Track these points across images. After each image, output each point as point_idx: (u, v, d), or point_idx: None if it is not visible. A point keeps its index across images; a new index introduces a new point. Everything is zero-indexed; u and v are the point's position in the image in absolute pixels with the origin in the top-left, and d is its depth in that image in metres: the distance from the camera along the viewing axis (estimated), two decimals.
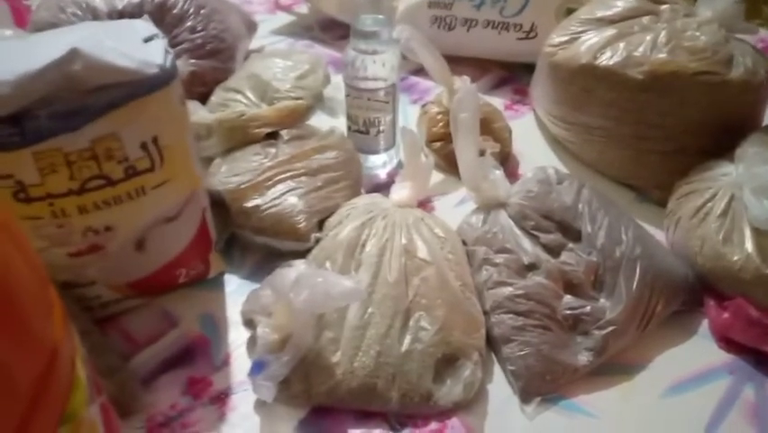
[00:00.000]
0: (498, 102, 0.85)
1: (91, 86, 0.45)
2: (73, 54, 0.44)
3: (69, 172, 0.46)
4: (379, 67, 0.65)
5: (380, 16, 0.64)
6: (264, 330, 0.49)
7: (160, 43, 0.50)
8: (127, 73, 0.46)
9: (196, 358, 0.54)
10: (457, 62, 0.89)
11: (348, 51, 0.66)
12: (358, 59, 0.65)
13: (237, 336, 0.55)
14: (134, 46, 0.49)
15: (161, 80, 0.48)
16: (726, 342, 0.54)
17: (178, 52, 0.74)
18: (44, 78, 0.44)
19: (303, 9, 1.08)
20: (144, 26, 0.52)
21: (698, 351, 0.54)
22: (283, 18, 1.07)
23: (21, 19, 0.79)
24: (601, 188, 0.69)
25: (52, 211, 0.48)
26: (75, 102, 0.45)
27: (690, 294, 0.57)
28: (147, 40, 0.50)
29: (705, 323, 0.56)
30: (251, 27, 0.91)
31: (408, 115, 0.83)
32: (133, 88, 0.47)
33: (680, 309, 0.57)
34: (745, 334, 0.53)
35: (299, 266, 0.50)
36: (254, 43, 0.93)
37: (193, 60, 0.74)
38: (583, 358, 0.52)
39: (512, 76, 0.90)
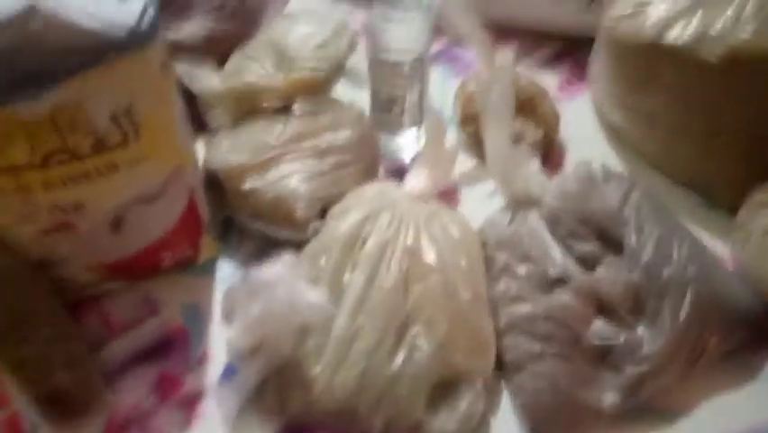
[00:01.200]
0: (551, 81, 0.74)
1: (52, 48, 0.40)
2: (30, 11, 0.39)
3: (29, 144, 0.42)
4: (405, 36, 0.57)
5: None
6: (237, 334, 0.43)
7: (140, 1, 0.44)
8: (92, 34, 0.41)
9: (172, 352, 0.49)
10: (509, 34, 0.79)
11: (371, 17, 0.58)
12: (382, 27, 0.58)
13: (220, 332, 0.50)
14: (107, 5, 0.43)
15: (134, 43, 0.42)
16: None
17: (195, 13, 0.68)
18: None
19: None
20: None
21: (758, 400, 0.45)
22: None
23: None
24: (661, 190, 0.59)
25: (16, 185, 0.43)
26: (33, 65, 0.40)
27: (755, 329, 0.47)
28: None
29: None
30: None
31: (448, 92, 0.74)
32: (99, 52, 0.41)
33: (741, 348, 0.47)
34: None
35: (279, 265, 0.43)
36: (292, 7, 0.86)
37: (210, 23, 0.68)
38: (610, 398, 0.43)
39: (571, 52, 0.79)
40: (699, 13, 0.55)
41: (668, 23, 0.56)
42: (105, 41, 0.41)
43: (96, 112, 0.43)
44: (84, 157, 0.44)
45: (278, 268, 0.42)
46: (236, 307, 0.42)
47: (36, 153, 0.42)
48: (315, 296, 0.40)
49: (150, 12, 0.43)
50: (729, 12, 0.54)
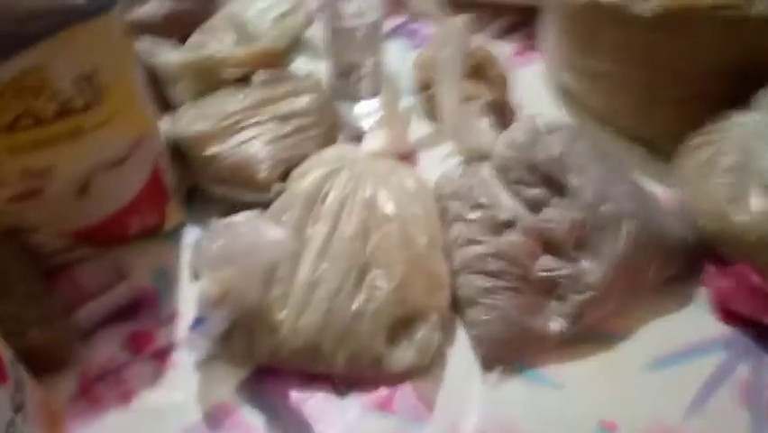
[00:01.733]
0: (505, 49, 0.78)
1: (15, 14, 0.42)
2: None
3: None
4: (358, 3, 0.60)
5: None
6: (205, 284, 0.45)
7: None
8: (54, 1, 0.42)
9: (143, 312, 0.51)
10: (468, 6, 0.82)
11: None
12: None
13: (188, 291, 0.52)
14: None
15: (95, 9, 0.44)
16: (726, 313, 0.48)
17: None
18: None
19: None
20: None
21: (691, 322, 0.48)
22: None
23: None
24: (608, 142, 0.63)
25: None
26: None
27: (688, 259, 0.50)
28: None
29: (703, 292, 0.50)
30: None
31: (407, 63, 0.76)
32: (61, 17, 0.43)
33: (675, 276, 0.50)
34: (745, 303, 0.47)
35: (242, 216, 0.45)
36: None
37: (170, 1, 0.70)
38: (556, 325, 0.46)
39: (525, 21, 0.82)
40: None
41: None
42: (67, 7, 0.43)
43: (60, 77, 0.44)
44: (49, 122, 0.45)
45: (239, 216, 0.44)
46: (203, 254, 0.44)
47: (2, 118, 0.44)
48: (276, 233, 0.42)
49: None
50: None
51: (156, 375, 0.47)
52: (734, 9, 0.54)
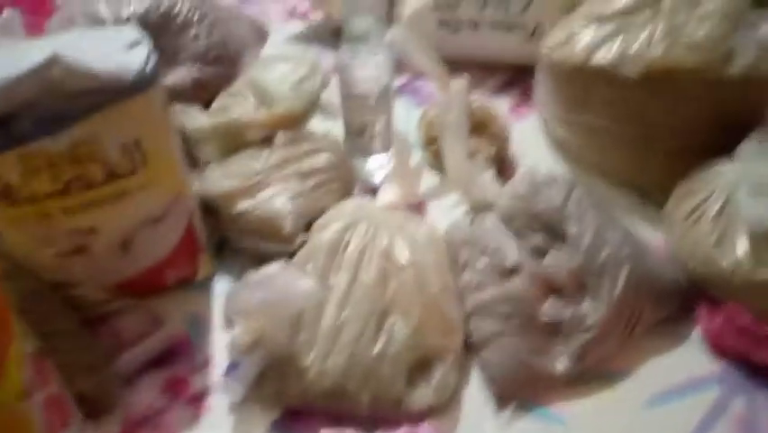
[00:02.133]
0: (503, 105, 0.83)
1: (71, 90, 0.47)
2: (52, 60, 0.46)
3: (52, 174, 0.48)
4: (371, 69, 0.65)
5: (371, 18, 0.64)
6: (238, 331, 0.49)
7: (144, 49, 0.51)
8: (105, 78, 0.48)
9: (178, 359, 0.55)
10: (465, 65, 0.88)
11: (339, 55, 0.67)
12: (350, 63, 0.66)
13: (221, 338, 0.56)
14: (116, 52, 0.50)
15: (141, 85, 0.49)
16: (718, 350, 0.52)
17: (182, 60, 0.76)
18: (25, 83, 0.45)
19: (317, 16, 1.09)
20: (131, 32, 0.53)
21: (686, 360, 0.52)
22: (298, 26, 1.09)
23: (38, 31, 0.82)
24: (603, 192, 0.67)
25: (37, 212, 0.49)
26: (57, 106, 0.47)
27: (681, 300, 0.55)
28: (131, 46, 0.51)
29: (697, 331, 0.54)
30: (262, 35, 0.92)
31: (412, 119, 0.82)
32: (112, 93, 0.48)
33: (670, 316, 0.54)
34: (736, 342, 0.50)
35: (273, 267, 0.50)
36: (267, 51, 0.94)
37: (196, 68, 0.76)
38: (561, 365, 0.50)
39: (519, 78, 0.88)
40: (620, 37, 0.64)
41: (594, 47, 0.65)
42: (116, 83, 0.48)
43: (109, 145, 0.49)
44: (98, 185, 0.50)
45: (271, 268, 0.48)
46: (237, 304, 0.48)
47: (57, 183, 0.49)
48: (306, 283, 0.46)
49: (153, 57, 0.51)
50: (643, 36, 0.63)
51: (193, 419, 0.50)
52: (713, 71, 0.60)
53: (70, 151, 0.48)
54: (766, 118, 0.65)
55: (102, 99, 0.48)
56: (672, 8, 0.65)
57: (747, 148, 0.54)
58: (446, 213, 0.67)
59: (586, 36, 0.67)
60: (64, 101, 0.47)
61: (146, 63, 0.49)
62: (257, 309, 0.46)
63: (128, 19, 0.74)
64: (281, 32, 1.05)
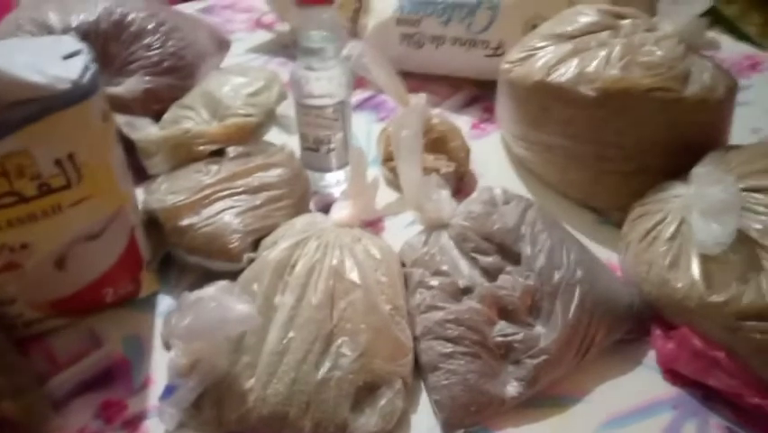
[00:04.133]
0: (465, 121, 0.83)
1: (1, 101, 0.45)
2: None
3: None
4: (326, 83, 0.64)
5: (327, 33, 0.63)
6: (175, 354, 0.47)
7: (82, 59, 0.49)
8: (37, 88, 0.46)
9: (115, 381, 0.52)
10: (428, 81, 0.88)
11: (295, 68, 0.65)
12: (305, 76, 0.64)
13: (161, 359, 0.53)
14: (51, 62, 0.48)
15: (75, 96, 0.47)
16: (672, 374, 0.51)
17: (135, 69, 0.74)
18: None
19: (282, 27, 1.08)
20: (69, 42, 0.51)
21: (640, 383, 0.51)
22: (263, 36, 1.07)
23: None
24: (562, 210, 0.67)
25: None
26: None
27: (636, 322, 0.54)
28: (68, 56, 0.49)
29: (651, 354, 0.53)
30: (223, 45, 0.91)
31: (373, 134, 0.81)
32: (45, 104, 0.46)
33: (624, 339, 0.53)
34: (689, 366, 0.50)
35: (209, 289, 0.48)
36: (229, 61, 0.92)
37: (148, 78, 0.74)
38: (512, 389, 0.49)
39: (483, 94, 0.88)
40: (578, 57, 0.64)
41: (553, 65, 0.65)
42: (50, 94, 0.46)
43: (42, 158, 0.47)
44: (30, 199, 0.48)
45: (209, 289, 0.46)
46: (173, 326, 0.46)
47: None
48: (243, 307, 0.44)
49: (91, 67, 0.49)
50: (601, 55, 0.63)
51: None
52: (669, 91, 0.60)
53: (0, 164, 0.46)
54: (720, 140, 0.65)
55: (33, 111, 0.46)
56: (630, 30, 0.65)
57: (701, 171, 0.54)
58: (403, 231, 0.66)
59: (545, 54, 0.67)
60: None
61: (83, 74, 0.48)
62: (191, 335, 0.44)
63: (75, 27, 0.71)
64: (245, 43, 1.04)
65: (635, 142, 0.63)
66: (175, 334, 0.44)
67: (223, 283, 0.51)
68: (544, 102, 0.66)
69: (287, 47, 1.02)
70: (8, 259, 0.50)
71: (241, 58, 0.99)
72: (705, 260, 0.50)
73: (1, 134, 0.45)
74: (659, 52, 0.62)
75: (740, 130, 0.69)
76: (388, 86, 0.70)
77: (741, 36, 0.97)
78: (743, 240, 0.50)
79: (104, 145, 0.51)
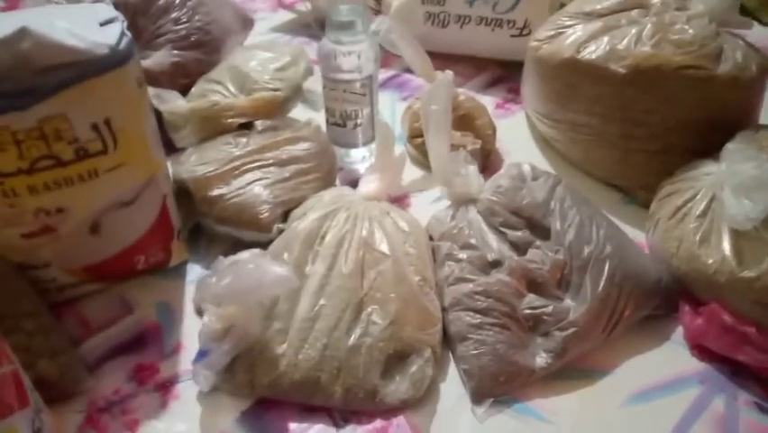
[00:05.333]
0: (490, 101, 0.83)
1: (41, 65, 0.45)
2: (22, 33, 0.44)
3: (18, 151, 0.46)
4: (355, 58, 0.64)
5: (356, 5, 0.63)
6: (209, 319, 0.48)
7: (118, 26, 0.50)
8: (76, 53, 0.46)
9: (147, 345, 0.53)
10: (453, 60, 0.88)
11: (324, 42, 0.65)
12: (333, 50, 0.64)
13: (192, 325, 0.54)
14: (88, 28, 0.48)
15: (113, 62, 0.48)
16: (700, 350, 0.51)
17: (162, 43, 0.74)
18: None
19: (304, 7, 1.07)
20: (105, 9, 0.52)
21: (669, 358, 0.51)
22: (285, 16, 1.07)
23: (14, 7, 0.80)
24: (587, 189, 0.67)
25: (2, 190, 0.47)
26: (24, 81, 0.45)
27: (664, 298, 0.54)
28: (104, 23, 0.50)
29: (680, 329, 0.53)
30: (247, 23, 0.91)
31: (398, 113, 0.81)
32: (83, 69, 0.46)
33: (653, 314, 0.53)
34: (718, 341, 0.50)
35: (244, 254, 0.48)
36: (252, 40, 0.92)
37: (176, 51, 0.74)
38: (541, 360, 0.49)
39: (508, 74, 0.87)
40: (608, 35, 0.64)
41: (583, 42, 0.65)
42: (88, 59, 0.46)
43: (79, 122, 0.47)
44: (67, 163, 0.48)
45: (244, 253, 0.47)
46: (207, 291, 0.46)
47: (24, 160, 0.47)
48: (280, 270, 0.44)
49: (127, 35, 0.49)
50: (632, 33, 0.63)
51: (160, 406, 0.48)
52: (701, 69, 0.59)
53: (38, 127, 0.46)
54: (750, 120, 0.64)
55: (72, 75, 0.46)
56: (660, 8, 0.65)
57: (732, 148, 0.54)
58: (429, 207, 0.66)
59: (575, 32, 0.67)
60: (33, 76, 0.45)
61: (119, 40, 0.48)
62: (227, 297, 0.44)
63: (105, 0, 0.71)
64: (267, 22, 1.04)
65: (663, 121, 0.63)
66: (213, 295, 0.44)
67: (256, 250, 0.52)
68: (573, 79, 0.66)
69: (308, 26, 1.02)
70: (44, 222, 0.50)
71: (263, 37, 0.99)
72: (736, 236, 0.50)
73: (39, 98, 0.46)
74: (690, 31, 0.61)
75: None
76: (414, 61, 0.69)
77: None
78: None
79: (138, 112, 0.52)
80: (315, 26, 1.01)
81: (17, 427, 0.36)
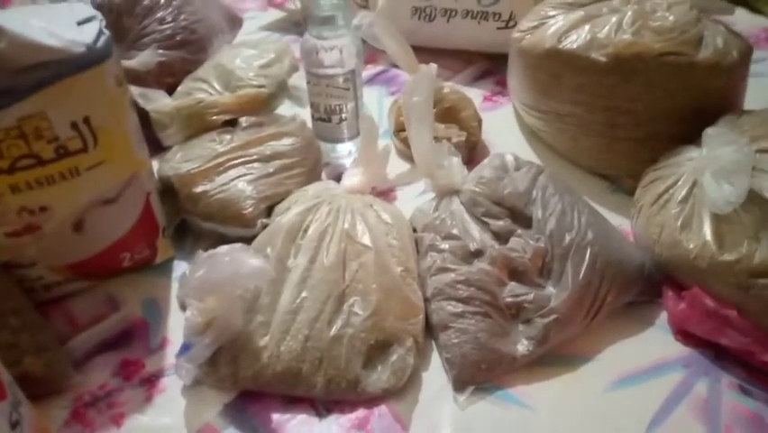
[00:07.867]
0: (478, 93, 0.83)
1: (18, 65, 0.46)
2: None
3: None
4: (337, 53, 0.64)
5: (337, 1, 0.63)
6: (191, 313, 0.48)
7: (96, 25, 0.50)
8: (53, 51, 0.46)
9: (133, 341, 0.53)
10: (441, 54, 0.88)
11: (306, 37, 0.66)
12: (315, 45, 0.65)
13: (177, 321, 0.54)
14: (66, 26, 0.49)
15: (90, 60, 0.48)
16: (684, 334, 0.51)
17: (148, 42, 0.75)
18: None
19: (294, 5, 1.08)
20: (83, 9, 0.52)
21: (652, 343, 0.51)
22: (275, 15, 1.08)
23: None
24: (575, 179, 0.67)
25: None
26: (2, 80, 0.45)
27: (647, 284, 0.54)
28: (82, 22, 0.50)
29: (663, 315, 0.53)
30: (235, 22, 0.91)
31: (385, 108, 0.81)
32: (60, 68, 0.47)
33: (637, 300, 0.53)
34: (701, 325, 0.50)
35: (223, 247, 0.48)
36: (241, 39, 0.93)
37: (162, 51, 0.75)
38: (523, 347, 0.49)
39: (495, 67, 0.87)
40: (589, 24, 0.64)
41: (565, 32, 0.65)
42: (65, 58, 0.47)
43: (59, 121, 0.48)
44: (48, 162, 0.49)
45: (223, 247, 0.47)
46: (188, 285, 0.47)
47: (4, 159, 0.47)
48: (256, 261, 0.45)
49: (105, 33, 0.50)
50: (613, 21, 0.63)
51: (145, 400, 0.49)
52: (681, 55, 0.59)
53: (18, 126, 0.47)
54: (733, 106, 0.64)
55: (49, 74, 0.47)
56: None
57: (712, 133, 0.53)
58: (415, 199, 0.66)
59: (556, 22, 0.67)
60: (10, 75, 0.45)
61: (96, 39, 0.48)
62: (204, 289, 0.44)
63: (90, 1, 0.72)
64: (257, 21, 1.04)
65: (647, 109, 0.63)
66: (190, 289, 0.45)
67: (237, 245, 0.52)
68: (556, 69, 0.66)
69: (298, 25, 1.02)
70: (28, 221, 0.51)
71: (253, 36, 0.99)
72: (717, 220, 0.50)
73: (18, 97, 0.46)
74: (671, 17, 0.61)
75: (757, 101, 0.68)
76: (397, 54, 0.70)
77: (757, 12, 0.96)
78: (755, 200, 0.49)
79: (118, 110, 0.52)
80: (304, 24, 1.01)
81: None
